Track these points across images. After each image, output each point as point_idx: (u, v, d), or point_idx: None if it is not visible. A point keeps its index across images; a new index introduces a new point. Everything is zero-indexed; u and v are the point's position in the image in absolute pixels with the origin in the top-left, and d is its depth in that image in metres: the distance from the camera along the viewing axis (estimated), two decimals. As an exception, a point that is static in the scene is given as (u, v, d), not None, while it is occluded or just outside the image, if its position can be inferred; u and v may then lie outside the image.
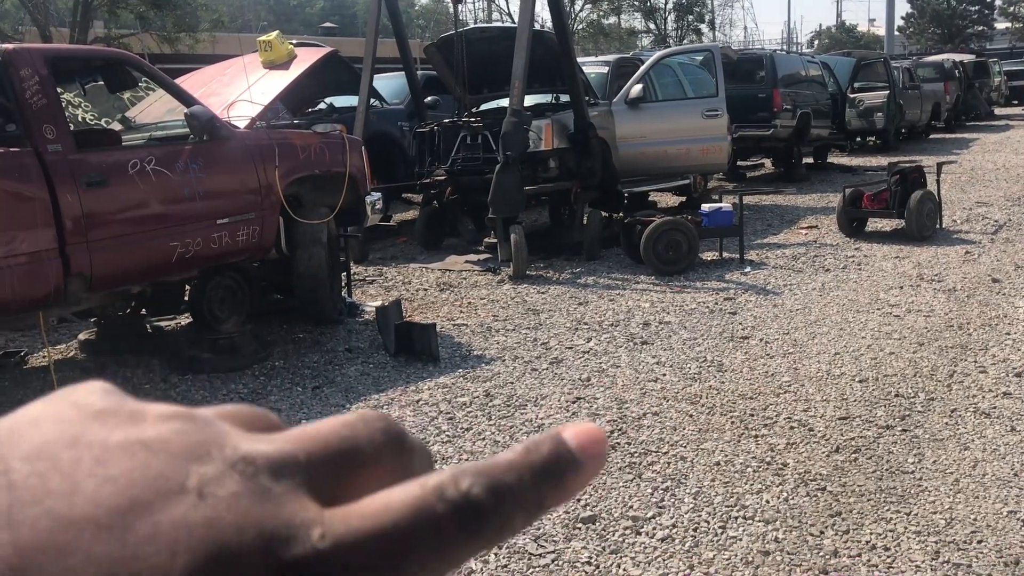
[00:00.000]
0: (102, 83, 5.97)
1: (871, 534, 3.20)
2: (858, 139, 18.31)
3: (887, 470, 3.71)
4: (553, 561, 3.08)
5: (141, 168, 4.99)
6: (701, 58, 11.03)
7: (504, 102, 8.40)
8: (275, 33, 7.09)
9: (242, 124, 5.84)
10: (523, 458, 0.25)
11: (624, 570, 3.02)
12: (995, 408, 4.35)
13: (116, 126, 6.77)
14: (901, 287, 6.87)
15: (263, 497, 0.23)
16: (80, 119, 7.80)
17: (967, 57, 27.12)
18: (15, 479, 0.22)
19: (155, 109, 6.68)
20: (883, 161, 12.04)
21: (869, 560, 3.03)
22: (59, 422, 0.24)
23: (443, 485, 0.24)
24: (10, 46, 4.89)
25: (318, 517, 0.24)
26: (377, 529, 0.23)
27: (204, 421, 0.25)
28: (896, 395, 4.56)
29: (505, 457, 0.25)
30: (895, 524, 3.26)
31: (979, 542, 3.11)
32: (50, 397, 0.25)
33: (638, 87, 9.95)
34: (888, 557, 3.05)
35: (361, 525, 0.23)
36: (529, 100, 8.99)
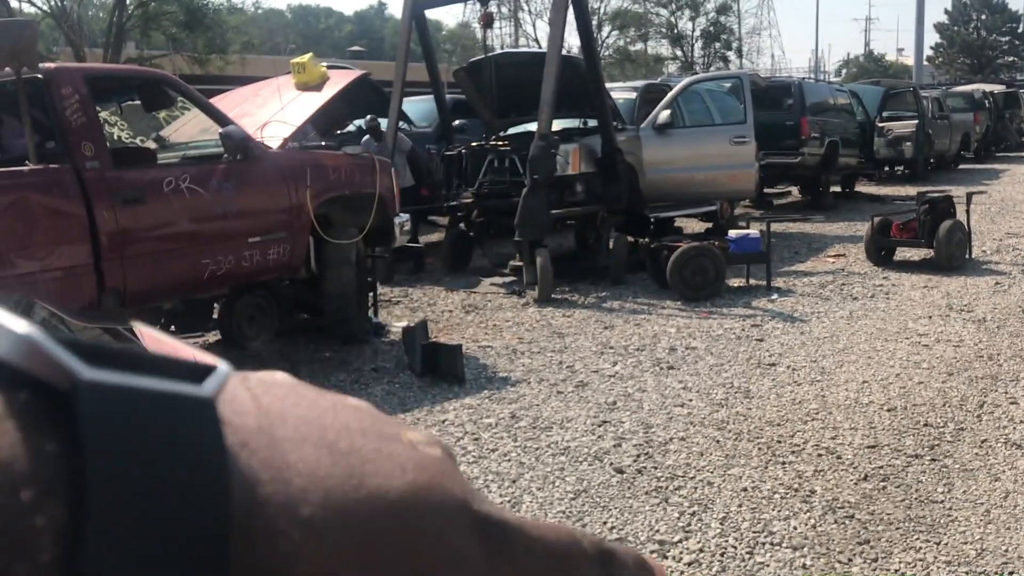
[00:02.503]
0: (138, 102, 6.08)
1: (900, 563, 3.17)
2: (887, 168, 18.24)
3: (916, 499, 3.67)
4: (579, 583, 3.07)
5: (176, 186, 5.08)
6: (730, 85, 11.05)
7: (532, 126, 8.46)
8: (308, 55, 7.19)
9: (275, 144, 5.92)
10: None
11: (650, 594, 3.01)
12: (1026, 439, 4.30)
13: (151, 144, 6.88)
14: (930, 317, 6.82)
15: (459, 471, 0.27)
16: (116, 137, 7.94)
17: (997, 87, 26.98)
18: (252, 384, 0.25)
19: (189, 128, 6.78)
20: (911, 191, 11.97)
21: (898, 589, 3.00)
22: (274, 374, 0.27)
23: (586, 533, 0.30)
24: (52, 65, 5.01)
25: (499, 506, 0.27)
26: (545, 535, 0.27)
27: None
28: (925, 424, 4.52)
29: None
30: (924, 553, 3.23)
31: (1011, 573, 3.07)
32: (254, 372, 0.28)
33: (666, 113, 9.98)
34: (918, 587, 3.01)
35: (529, 524, 0.27)
36: (557, 124, 9.04)
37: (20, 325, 0.19)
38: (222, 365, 0.23)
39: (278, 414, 0.23)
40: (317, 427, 0.23)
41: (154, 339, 0.23)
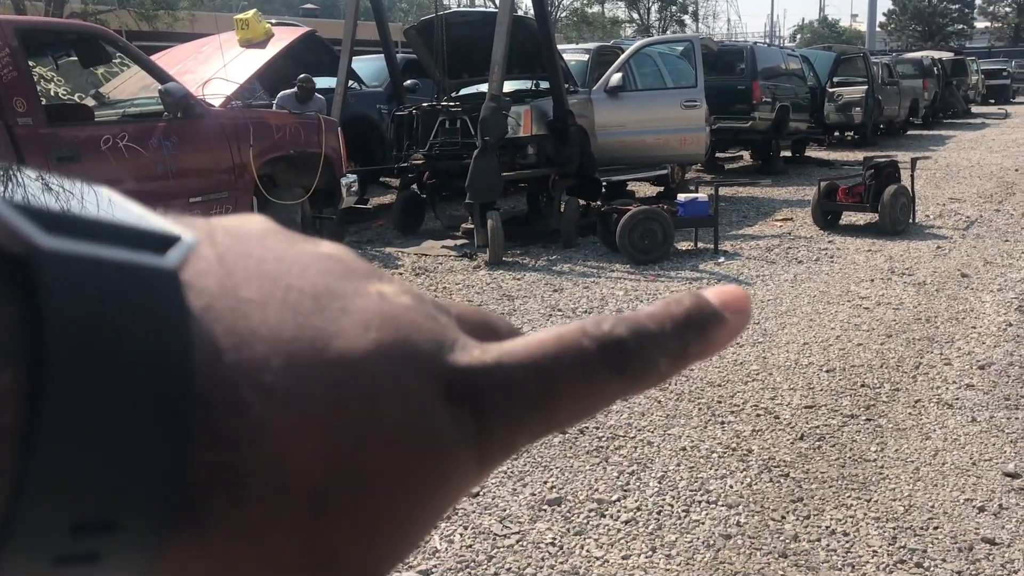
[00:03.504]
0: (75, 58, 5.91)
1: (831, 520, 3.24)
2: (836, 133, 18.43)
3: (850, 458, 3.76)
4: (518, 542, 3.11)
5: (114, 144, 4.96)
6: (681, 48, 11.05)
7: (483, 87, 8.39)
8: (252, 12, 7.04)
9: (217, 103, 5.81)
10: (663, 310, 0.26)
11: (587, 551, 3.05)
12: (958, 399, 4.41)
13: (89, 102, 6.70)
14: (872, 280, 6.94)
15: (432, 317, 0.25)
16: (53, 93, 7.72)
17: (946, 55, 27.37)
18: (219, 239, 0.23)
19: (129, 86, 6.62)
20: (860, 156, 12.13)
21: (828, 545, 3.07)
22: (247, 223, 0.25)
23: (586, 326, 0.26)
24: (-19, 17, 4.83)
25: (476, 344, 0.25)
26: (531, 355, 0.25)
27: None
28: (862, 385, 4.62)
29: (645, 309, 0.26)
30: (855, 510, 3.31)
31: (935, 528, 3.17)
32: (227, 216, 0.26)
33: (617, 76, 9.96)
34: (847, 542, 3.09)
35: (515, 351, 0.25)
36: (509, 86, 8.98)
37: None
38: (188, 235, 0.22)
39: (243, 273, 0.22)
40: (283, 286, 0.23)
41: (121, 205, 0.22)
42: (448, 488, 0.24)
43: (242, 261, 0.23)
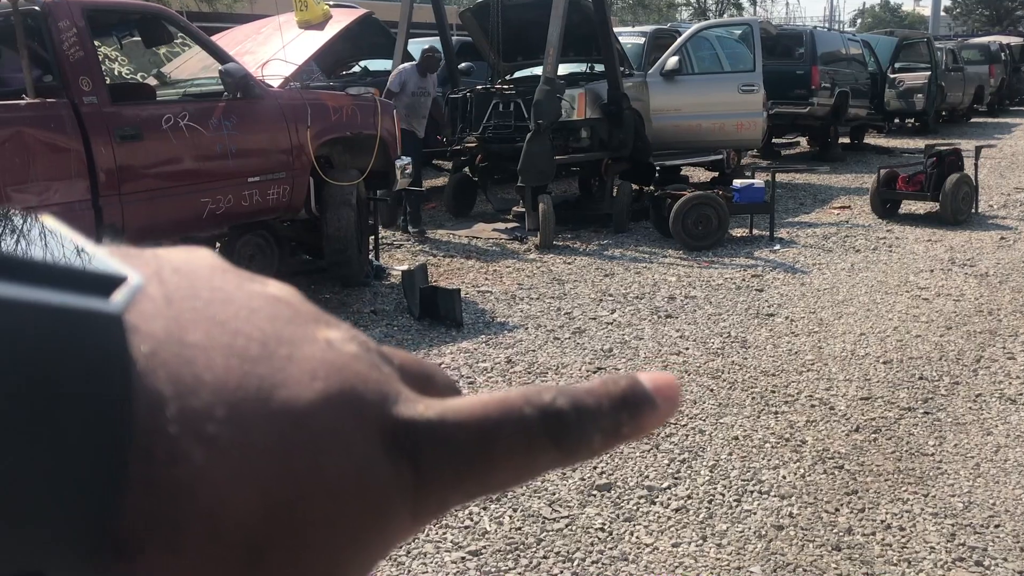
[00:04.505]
0: (138, 38, 6.01)
1: (887, 514, 3.19)
2: (897, 120, 18.02)
3: (907, 451, 3.69)
4: (567, 526, 3.11)
5: (175, 123, 5.04)
6: (740, 32, 10.88)
7: (538, 70, 8.35)
8: (311, -7, 7.07)
9: (275, 83, 5.86)
10: (601, 388, 0.26)
11: (637, 538, 3.04)
12: (1021, 395, 4.30)
13: (152, 81, 6.81)
14: (932, 270, 6.80)
15: (377, 367, 0.25)
16: (117, 73, 7.86)
17: (1014, 40, 26.53)
18: (167, 278, 0.23)
19: (191, 66, 6.71)
20: (921, 143, 11.86)
21: (883, 539, 3.03)
22: (197, 260, 0.25)
23: (528, 394, 0.26)
24: (49, -2, 4.92)
25: (420, 398, 0.25)
26: (474, 416, 0.25)
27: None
28: (920, 378, 4.53)
29: (583, 385, 0.26)
30: (912, 505, 3.25)
31: (996, 527, 3.10)
32: (175, 248, 0.26)
33: (674, 59, 9.85)
34: (903, 537, 3.04)
35: (458, 410, 0.25)
36: (563, 69, 8.92)
37: None
38: (134, 276, 0.22)
39: (190, 316, 0.22)
40: (230, 331, 0.22)
41: (67, 241, 0.21)
42: (382, 539, 0.24)
43: (189, 303, 0.22)
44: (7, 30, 4.76)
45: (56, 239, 0.21)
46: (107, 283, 0.21)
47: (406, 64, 8.40)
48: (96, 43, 5.26)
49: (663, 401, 0.27)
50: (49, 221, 0.22)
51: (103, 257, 0.22)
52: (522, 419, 0.25)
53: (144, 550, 0.20)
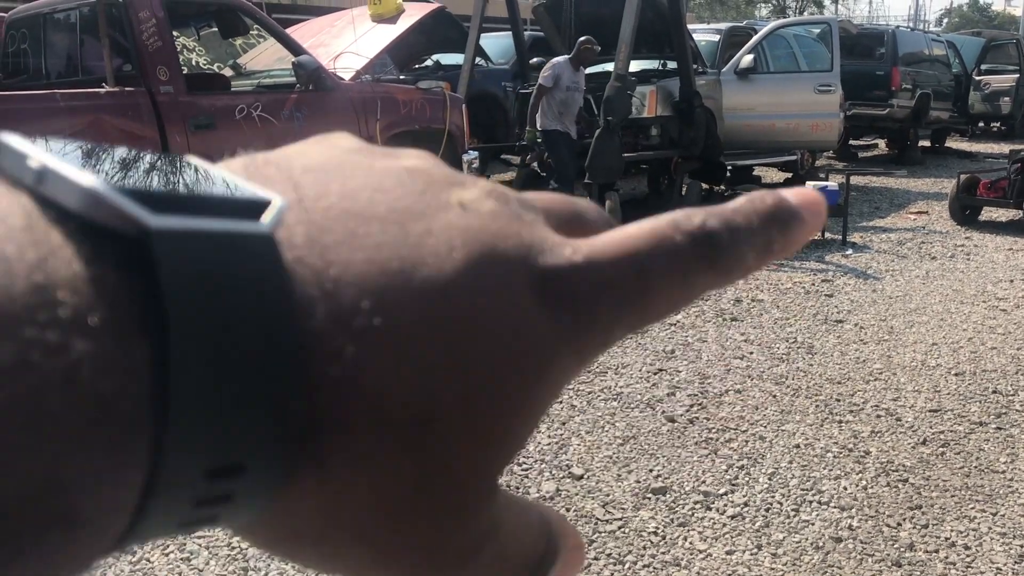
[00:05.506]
0: (216, 29, 6.13)
1: (952, 531, 3.09)
2: (981, 124, 17.46)
3: (976, 467, 3.57)
4: (620, 528, 3.08)
5: (248, 114, 5.13)
6: (818, 31, 10.65)
7: (610, 66, 8.29)
8: (385, -13, 7.14)
9: (347, 76, 5.93)
10: (748, 205, 0.27)
11: (691, 543, 3.00)
12: (1101, 413, 4.13)
13: (227, 72, 6.95)
14: (1011, 280, 6.56)
15: (518, 218, 0.25)
16: (194, 63, 8.04)
17: (1110, 42, 25.47)
18: (299, 180, 0.24)
19: (265, 57, 6.83)
20: (1006, 148, 11.46)
21: (947, 557, 2.93)
22: (326, 149, 0.26)
23: (677, 219, 0.26)
24: (131, -12, 5.06)
25: (566, 240, 0.25)
26: (623, 251, 0.25)
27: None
28: (994, 391, 4.37)
29: (730, 205, 0.27)
30: (979, 523, 3.14)
31: (1068, 550, 2.98)
32: (308, 140, 0.27)
33: (749, 57, 9.69)
34: (968, 556, 2.94)
35: (607, 247, 0.25)
36: (635, 65, 8.85)
37: (85, 177, 0.20)
38: (276, 197, 0.23)
39: (325, 216, 0.23)
40: (365, 220, 0.23)
41: (214, 175, 0.23)
42: (549, 389, 0.24)
43: (323, 202, 0.23)
44: (91, 20, 4.90)
45: (209, 177, 0.23)
46: (255, 207, 0.22)
47: (559, 57, 7.81)
48: (175, 34, 5.38)
49: (810, 215, 0.27)
50: (198, 162, 0.24)
51: (247, 185, 0.23)
52: (673, 245, 0.25)
53: (322, 437, 0.21)
